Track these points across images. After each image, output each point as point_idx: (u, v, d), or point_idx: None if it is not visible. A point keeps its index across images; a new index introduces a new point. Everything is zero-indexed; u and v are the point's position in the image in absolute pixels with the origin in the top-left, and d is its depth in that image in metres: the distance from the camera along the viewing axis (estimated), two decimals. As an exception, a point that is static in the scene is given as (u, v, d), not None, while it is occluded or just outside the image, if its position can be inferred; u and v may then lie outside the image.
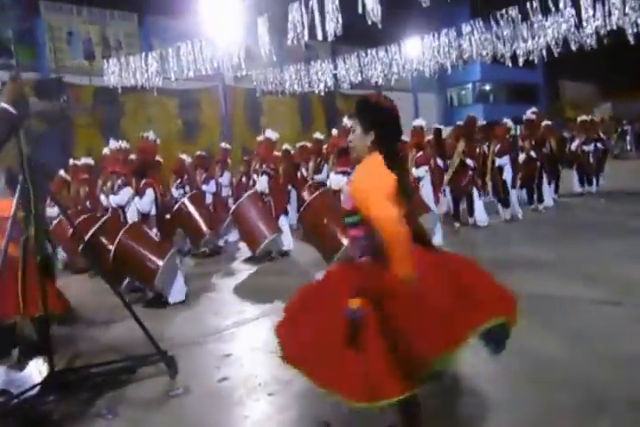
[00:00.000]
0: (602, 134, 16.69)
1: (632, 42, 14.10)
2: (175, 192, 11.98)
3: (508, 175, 12.47)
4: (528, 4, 14.27)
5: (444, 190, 12.12)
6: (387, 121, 3.20)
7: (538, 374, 4.30)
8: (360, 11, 10.60)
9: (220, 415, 4.27)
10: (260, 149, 10.77)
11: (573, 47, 15.22)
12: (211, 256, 11.45)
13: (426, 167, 10.59)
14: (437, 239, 9.67)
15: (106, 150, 10.00)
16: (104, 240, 8.52)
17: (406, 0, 13.26)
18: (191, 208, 10.88)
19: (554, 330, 5.19)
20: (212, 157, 13.87)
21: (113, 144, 9.35)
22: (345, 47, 21.54)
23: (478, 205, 11.88)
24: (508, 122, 12.97)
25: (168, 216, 10.24)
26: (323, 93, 21.74)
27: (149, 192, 7.96)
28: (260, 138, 11.04)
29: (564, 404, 3.81)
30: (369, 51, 19.17)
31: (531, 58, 16.44)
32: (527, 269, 7.46)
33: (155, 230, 7.98)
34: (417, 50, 18.38)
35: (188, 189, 12.06)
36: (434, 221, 9.68)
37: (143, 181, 8.07)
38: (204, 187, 12.20)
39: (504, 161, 12.38)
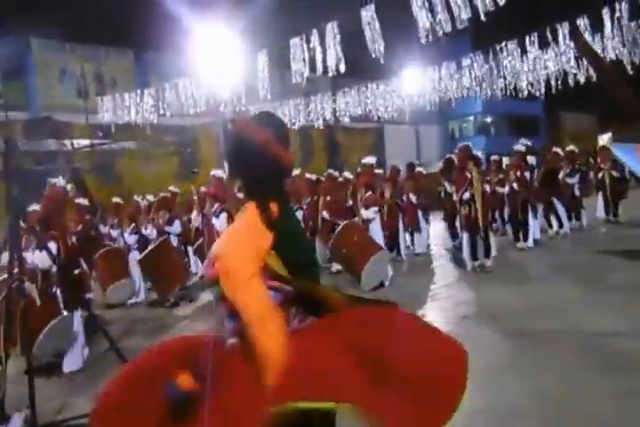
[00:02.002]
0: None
1: (630, 72, 14.14)
2: (128, 238, 11.43)
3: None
4: (527, 39, 14.33)
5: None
6: (253, 157, 2.35)
7: None
8: (367, 45, 10.41)
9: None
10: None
11: (573, 79, 15.28)
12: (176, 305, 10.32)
13: (375, 208, 10.14)
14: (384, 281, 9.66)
15: None
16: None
17: (406, 34, 13.11)
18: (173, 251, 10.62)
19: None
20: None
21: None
22: (345, 80, 21.28)
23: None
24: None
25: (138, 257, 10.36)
26: (322, 127, 21.56)
27: (51, 246, 7.01)
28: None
29: None
30: (369, 84, 19.05)
31: (531, 90, 16.45)
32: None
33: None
34: (418, 83, 18.33)
35: (149, 231, 11.48)
36: (385, 260, 9.57)
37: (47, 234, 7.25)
38: (166, 228, 11.28)
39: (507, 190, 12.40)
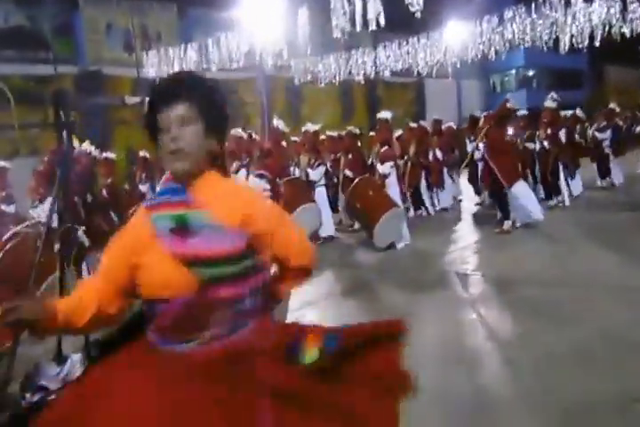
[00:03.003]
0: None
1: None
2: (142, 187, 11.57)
3: None
4: None
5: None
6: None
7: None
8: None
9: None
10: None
11: (620, 32, 14.98)
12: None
13: (391, 163, 9.79)
14: (405, 238, 9.52)
15: None
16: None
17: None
18: None
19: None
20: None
21: None
22: (386, 34, 21.19)
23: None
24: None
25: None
26: (363, 82, 21.58)
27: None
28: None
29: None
30: (410, 38, 18.97)
31: (575, 43, 16.11)
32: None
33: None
34: (459, 37, 18.16)
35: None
36: (399, 218, 9.36)
37: None
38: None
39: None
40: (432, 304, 6.19)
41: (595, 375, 4.05)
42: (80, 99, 17.90)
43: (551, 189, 12.11)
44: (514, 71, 38.65)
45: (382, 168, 9.79)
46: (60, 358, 4.63)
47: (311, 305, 6.55)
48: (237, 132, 9.87)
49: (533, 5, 15.65)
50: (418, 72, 20.30)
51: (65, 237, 4.85)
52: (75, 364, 4.51)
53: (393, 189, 9.74)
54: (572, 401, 3.74)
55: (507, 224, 9.89)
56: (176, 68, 16.55)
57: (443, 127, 13.88)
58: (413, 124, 13.14)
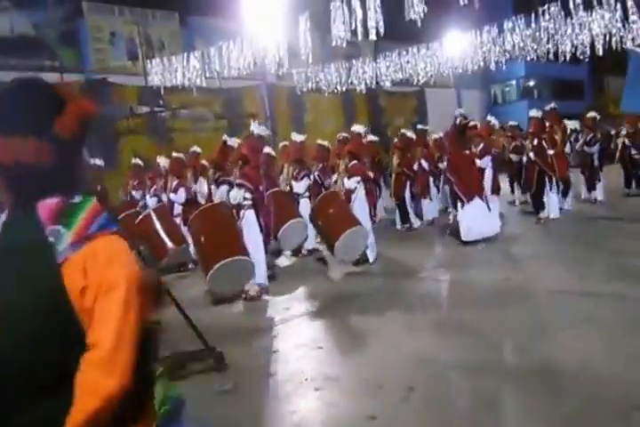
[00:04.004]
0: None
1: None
2: (149, 200, 11.40)
3: (487, 180, 11.28)
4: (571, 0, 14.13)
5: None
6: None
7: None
8: (406, 10, 10.47)
9: (268, 410, 4.33)
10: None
11: (620, 42, 14.97)
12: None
13: (358, 178, 9.40)
14: (371, 257, 9.30)
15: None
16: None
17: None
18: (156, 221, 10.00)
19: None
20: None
21: None
22: (387, 44, 21.43)
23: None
24: (492, 120, 12.17)
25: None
26: (365, 91, 21.75)
27: None
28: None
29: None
30: (411, 48, 19.13)
31: (575, 54, 16.15)
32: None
33: None
34: (459, 47, 18.29)
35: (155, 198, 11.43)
36: (362, 237, 8.86)
37: None
38: (171, 196, 10.96)
39: (485, 163, 11.25)
40: (401, 323, 6.10)
41: (596, 383, 4.09)
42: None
43: (537, 203, 11.89)
44: (514, 82, 38.88)
45: (348, 183, 9.44)
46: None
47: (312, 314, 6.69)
48: (230, 140, 9.81)
49: (533, 16, 15.74)
50: (418, 81, 20.44)
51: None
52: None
53: (360, 205, 9.41)
54: (573, 409, 3.81)
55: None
56: (179, 76, 16.72)
57: (434, 137, 13.78)
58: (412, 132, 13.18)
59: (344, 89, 21.47)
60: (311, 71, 21.06)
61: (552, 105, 12.27)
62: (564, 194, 12.60)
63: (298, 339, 5.89)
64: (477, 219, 9.94)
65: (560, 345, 4.86)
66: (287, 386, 4.65)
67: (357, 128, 10.16)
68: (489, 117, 12.26)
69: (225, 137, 9.97)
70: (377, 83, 20.91)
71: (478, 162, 10.85)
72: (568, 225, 11.26)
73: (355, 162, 9.54)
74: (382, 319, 6.22)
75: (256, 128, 8.55)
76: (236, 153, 9.17)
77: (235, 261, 7.24)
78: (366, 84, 20.77)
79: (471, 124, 10.74)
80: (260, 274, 7.74)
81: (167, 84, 17.34)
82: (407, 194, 12.24)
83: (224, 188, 8.79)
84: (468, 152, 10.43)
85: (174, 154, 11.51)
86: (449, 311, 6.38)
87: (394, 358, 5.00)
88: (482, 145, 11.20)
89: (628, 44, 14.94)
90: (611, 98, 40.69)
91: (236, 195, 8.09)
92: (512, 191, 14.82)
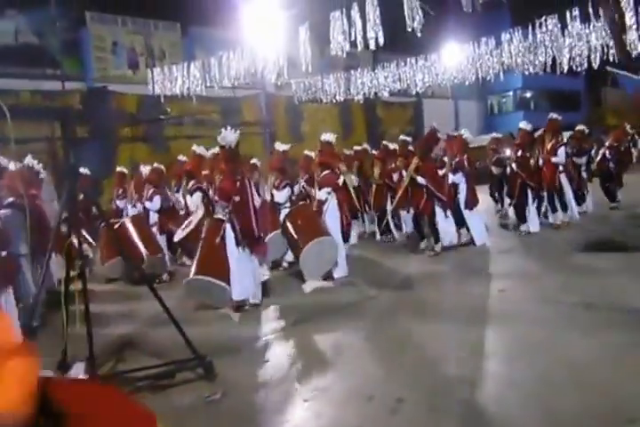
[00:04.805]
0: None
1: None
2: (131, 210, 11.37)
3: (462, 195, 11.03)
4: (568, 13, 14.21)
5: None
6: None
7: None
8: (407, 20, 10.49)
9: (257, 420, 4.37)
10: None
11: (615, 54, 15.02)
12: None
13: (329, 189, 9.18)
14: (341, 270, 9.02)
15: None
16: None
17: (445, 9, 13.34)
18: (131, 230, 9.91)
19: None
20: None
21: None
22: (385, 55, 21.59)
23: (443, 226, 10.37)
24: (465, 133, 11.87)
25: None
26: (362, 101, 21.89)
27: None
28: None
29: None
30: (409, 59, 19.26)
31: (573, 65, 16.21)
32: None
33: None
34: (457, 58, 18.40)
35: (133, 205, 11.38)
36: (329, 248, 8.53)
37: None
38: (147, 204, 10.88)
39: (458, 178, 10.90)
40: (390, 334, 6.13)
41: (590, 396, 4.11)
42: (88, 115, 18.22)
43: (519, 215, 11.77)
44: (511, 93, 39.09)
45: (319, 194, 9.21)
46: (65, 366, 4.95)
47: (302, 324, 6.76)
48: (199, 149, 9.98)
49: (530, 28, 15.84)
50: (416, 92, 20.56)
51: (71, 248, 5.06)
52: (79, 372, 4.80)
53: (332, 217, 9.15)
54: (567, 422, 3.84)
55: (438, 246, 10.26)
56: (179, 85, 16.84)
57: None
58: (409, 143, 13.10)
59: (342, 99, 21.60)
60: (309, 81, 21.21)
61: (553, 115, 12.22)
62: (577, 202, 12.66)
63: (288, 349, 5.95)
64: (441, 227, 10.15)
65: (554, 357, 4.91)
66: (276, 396, 4.68)
67: (327, 137, 9.77)
68: (462, 131, 12.06)
69: (194, 147, 10.09)
70: (375, 93, 21.04)
71: (452, 177, 10.70)
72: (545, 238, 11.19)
73: (326, 172, 9.40)
74: (372, 331, 6.29)
75: (226, 135, 7.56)
76: (211, 164, 9.25)
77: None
78: (364, 94, 20.90)
79: (440, 136, 10.71)
80: (246, 289, 7.59)
81: (167, 93, 17.45)
82: (388, 205, 12.02)
83: (197, 195, 8.95)
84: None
85: (155, 164, 11.54)
86: (439, 323, 6.41)
87: (383, 369, 5.05)
88: (456, 159, 10.91)
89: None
90: (607, 109, 40.93)
91: (195, 200, 8.62)
92: (496, 202, 14.77)
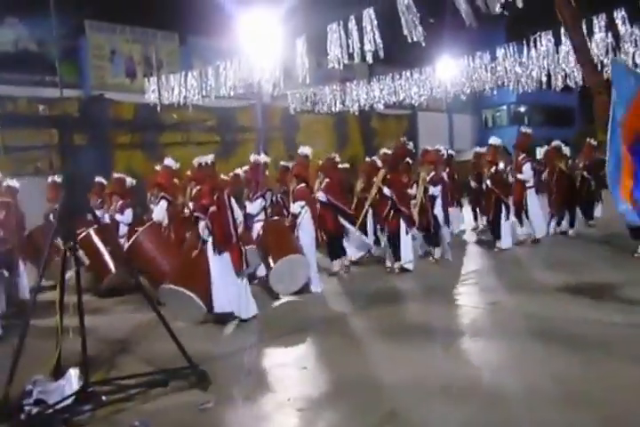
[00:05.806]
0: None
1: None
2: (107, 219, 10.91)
3: (438, 208, 10.98)
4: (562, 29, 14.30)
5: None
6: None
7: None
8: (404, 32, 10.48)
9: (250, 429, 4.37)
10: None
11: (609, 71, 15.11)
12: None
13: (302, 203, 9.05)
14: (315, 287, 8.93)
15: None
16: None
17: (441, 23, 13.44)
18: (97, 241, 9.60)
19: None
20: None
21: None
22: (381, 68, 21.72)
23: (404, 242, 10.04)
24: (441, 149, 11.96)
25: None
26: (358, 113, 21.98)
27: None
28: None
29: None
30: (404, 72, 19.39)
31: (566, 81, 16.34)
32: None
33: None
34: (452, 72, 18.53)
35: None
36: (299, 266, 8.47)
37: None
38: (117, 217, 10.81)
39: (436, 191, 10.90)
40: (384, 347, 6.18)
41: (583, 413, 4.10)
42: (85, 122, 18.35)
43: (494, 231, 11.84)
44: (505, 107, 39.27)
45: (293, 207, 9.15)
46: (58, 374, 4.91)
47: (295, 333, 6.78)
48: (169, 162, 9.87)
49: (525, 43, 15.98)
50: (411, 105, 20.66)
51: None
52: (72, 379, 4.80)
53: (305, 231, 9.07)
54: None
55: (398, 264, 10.07)
56: (176, 95, 16.91)
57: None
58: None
59: (337, 110, 21.70)
60: (305, 92, 21.31)
61: (523, 129, 12.48)
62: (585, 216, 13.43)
63: (282, 359, 5.96)
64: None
65: (539, 369, 4.97)
66: (269, 406, 4.70)
67: (304, 150, 9.66)
68: (438, 146, 12.10)
69: (166, 159, 9.98)
70: (370, 105, 21.13)
71: (432, 189, 10.78)
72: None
73: (301, 185, 9.28)
74: (366, 343, 6.33)
75: (199, 159, 7.71)
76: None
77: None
78: (359, 105, 20.99)
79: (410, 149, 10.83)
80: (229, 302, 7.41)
81: (164, 102, 17.51)
82: (369, 220, 11.83)
83: (162, 204, 9.04)
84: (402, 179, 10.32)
85: (116, 175, 11.51)
86: (435, 337, 6.43)
87: (377, 381, 5.05)
88: (432, 173, 10.91)
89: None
90: (599, 126, 41.09)
91: (159, 209, 8.83)
92: (475, 218, 15.04)
